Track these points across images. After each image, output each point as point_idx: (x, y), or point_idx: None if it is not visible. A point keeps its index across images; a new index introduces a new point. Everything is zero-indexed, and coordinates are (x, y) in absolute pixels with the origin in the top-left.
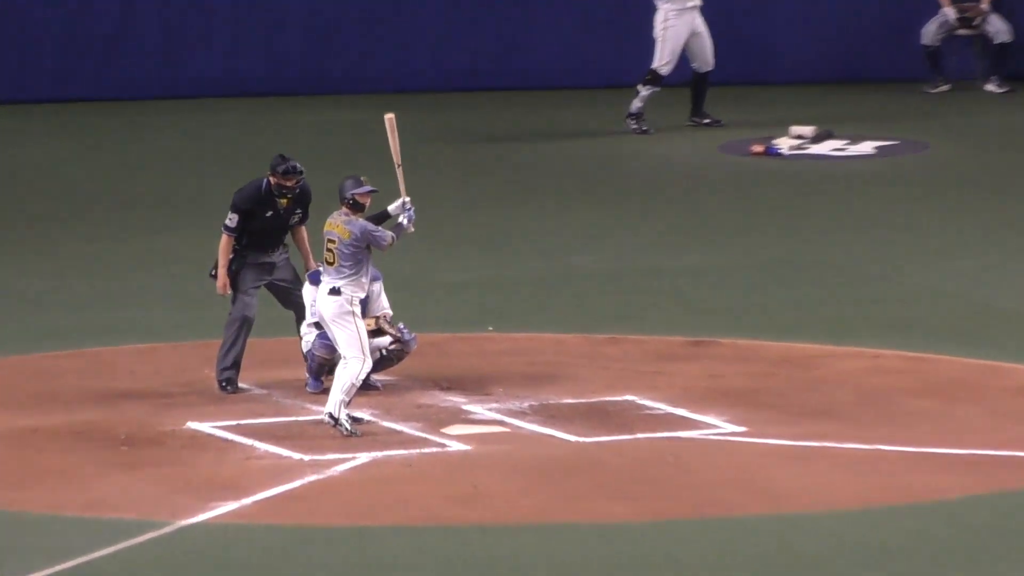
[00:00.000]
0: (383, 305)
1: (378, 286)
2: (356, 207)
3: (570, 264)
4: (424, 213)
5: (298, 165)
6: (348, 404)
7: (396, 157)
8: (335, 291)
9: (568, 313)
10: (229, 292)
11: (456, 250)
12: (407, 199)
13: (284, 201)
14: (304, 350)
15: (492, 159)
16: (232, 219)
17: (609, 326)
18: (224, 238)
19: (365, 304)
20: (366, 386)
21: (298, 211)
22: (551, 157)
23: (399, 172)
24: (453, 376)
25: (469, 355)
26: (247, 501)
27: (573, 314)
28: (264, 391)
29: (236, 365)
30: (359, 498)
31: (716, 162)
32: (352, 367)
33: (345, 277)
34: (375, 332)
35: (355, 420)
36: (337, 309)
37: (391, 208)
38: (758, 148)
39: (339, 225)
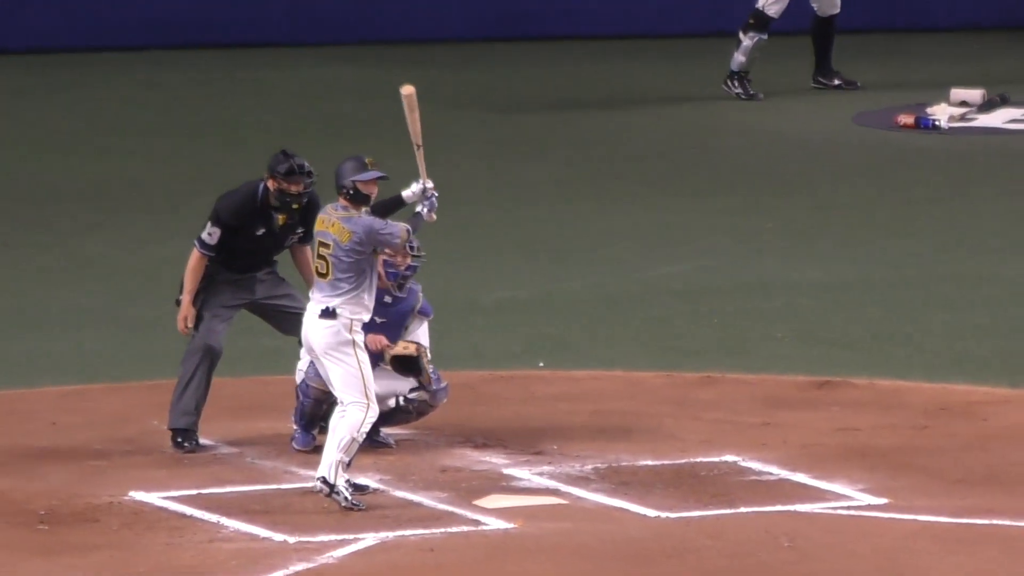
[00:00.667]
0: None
1: (425, 326)
2: (358, 199)
3: (649, 278)
4: (451, 208)
5: (306, 164)
6: (348, 466)
7: (416, 138)
8: (328, 313)
9: (646, 343)
10: (191, 328)
11: (495, 258)
12: (429, 183)
13: (283, 217)
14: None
15: (541, 133)
16: (212, 234)
17: (702, 361)
18: (195, 257)
19: (396, 336)
20: (373, 442)
21: (300, 230)
22: (621, 131)
23: (419, 155)
24: (491, 429)
25: (512, 401)
26: None
27: (653, 345)
28: (234, 449)
29: (196, 412)
30: None
31: (850, 138)
32: (352, 417)
33: (342, 294)
34: (404, 362)
35: (357, 488)
36: (331, 338)
37: (407, 194)
38: (907, 119)
39: (335, 223)
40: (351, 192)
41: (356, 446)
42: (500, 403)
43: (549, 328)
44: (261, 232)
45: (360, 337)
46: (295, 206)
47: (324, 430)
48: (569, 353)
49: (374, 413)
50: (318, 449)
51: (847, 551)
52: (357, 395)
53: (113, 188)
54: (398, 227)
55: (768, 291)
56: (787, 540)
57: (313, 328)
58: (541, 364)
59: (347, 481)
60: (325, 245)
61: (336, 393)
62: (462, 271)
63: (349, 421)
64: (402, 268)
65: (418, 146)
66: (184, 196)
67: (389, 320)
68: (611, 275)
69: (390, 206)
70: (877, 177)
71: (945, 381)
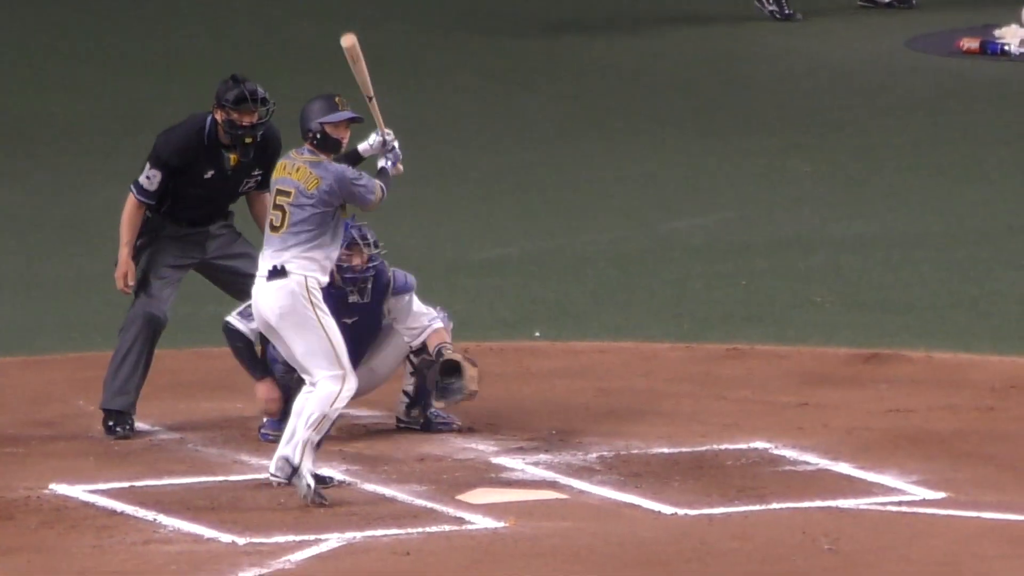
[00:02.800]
0: (426, 324)
1: (408, 299)
2: (327, 144)
3: (665, 233)
4: (432, 151)
5: (260, 91)
6: (318, 447)
7: (366, 89)
8: (277, 272)
9: (662, 310)
10: (132, 286)
11: (485, 209)
12: (388, 133)
13: (234, 157)
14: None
15: (539, 62)
16: (152, 177)
17: (728, 330)
18: (131, 204)
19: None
20: (437, 426)
21: (257, 172)
22: (633, 59)
23: (372, 106)
24: (478, 411)
25: (504, 377)
26: None
27: (669, 312)
28: (174, 434)
29: (134, 392)
30: None
31: (903, 66)
32: (323, 389)
33: (293, 247)
34: (446, 367)
35: (319, 481)
36: (284, 300)
37: (364, 147)
38: (970, 44)
39: (300, 167)
40: (318, 136)
41: (328, 424)
42: (489, 380)
43: (547, 292)
44: (210, 175)
45: (319, 296)
46: (247, 140)
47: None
48: (570, 321)
49: (352, 385)
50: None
51: (898, 555)
52: (327, 366)
53: (31, 126)
54: (374, 183)
55: (806, 247)
56: (827, 542)
57: (262, 294)
58: (537, 334)
59: (311, 472)
60: (284, 193)
61: (304, 372)
62: (445, 224)
63: (319, 394)
64: (360, 269)
65: (370, 98)
66: (116, 136)
67: (361, 317)
68: (621, 230)
69: (346, 162)
70: (935, 113)
71: (1016, 354)
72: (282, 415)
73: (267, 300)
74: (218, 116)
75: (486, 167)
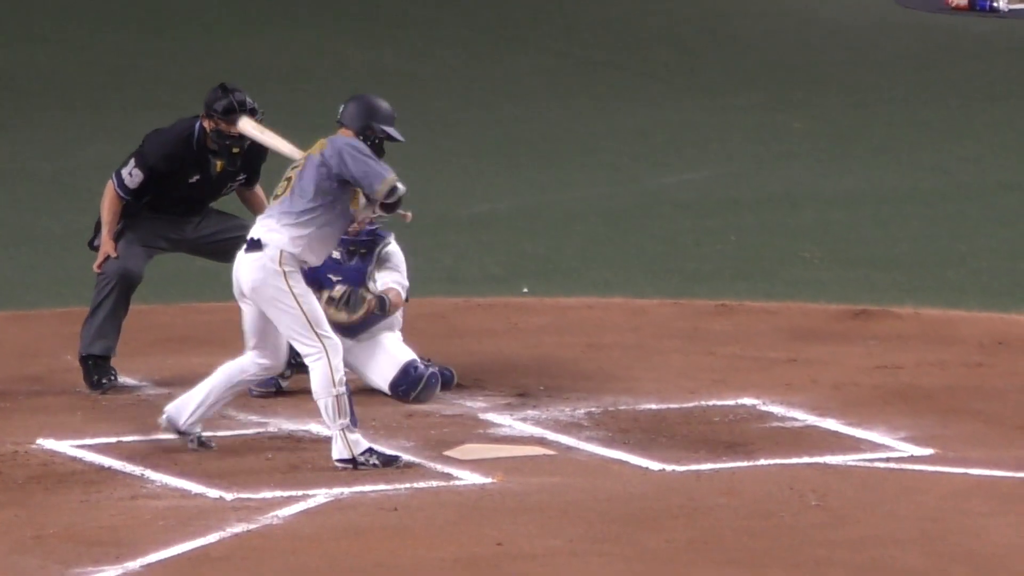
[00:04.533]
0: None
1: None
2: (375, 150)
3: (654, 188)
4: (420, 105)
5: (249, 101)
6: (355, 426)
7: (293, 153)
8: (254, 244)
9: (651, 266)
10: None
11: (472, 164)
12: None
13: (221, 163)
14: None
15: (532, 15)
16: (135, 175)
17: (717, 286)
18: (111, 194)
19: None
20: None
21: (242, 176)
22: (621, 14)
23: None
24: (466, 366)
25: (492, 333)
26: (133, 566)
27: (658, 267)
28: (162, 390)
29: (112, 337)
30: (312, 562)
31: (892, 21)
32: (316, 375)
33: (285, 215)
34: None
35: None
36: (257, 274)
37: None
38: (960, 0)
39: (319, 142)
40: (377, 141)
41: (344, 401)
42: (477, 336)
43: (535, 247)
44: (195, 179)
45: (294, 272)
46: (235, 150)
47: (295, 370)
48: (559, 277)
49: (335, 349)
50: (279, 393)
51: (886, 511)
52: (306, 339)
53: (19, 80)
54: (386, 170)
55: (795, 203)
56: (815, 498)
57: (240, 264)
58: (526, 290)
59: (370, 449)
60: (296, 165)
61: (290, 340)
62: (433, 179)
63: (317, 383)
64: (355, 234)
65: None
66: (104, 90)
67: (346, 277)
68: (609, 185)
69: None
70: (924, 69)
71: (1004, 310)
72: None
73: (242, 272)
74: (206, 124)
75: (475, 122)
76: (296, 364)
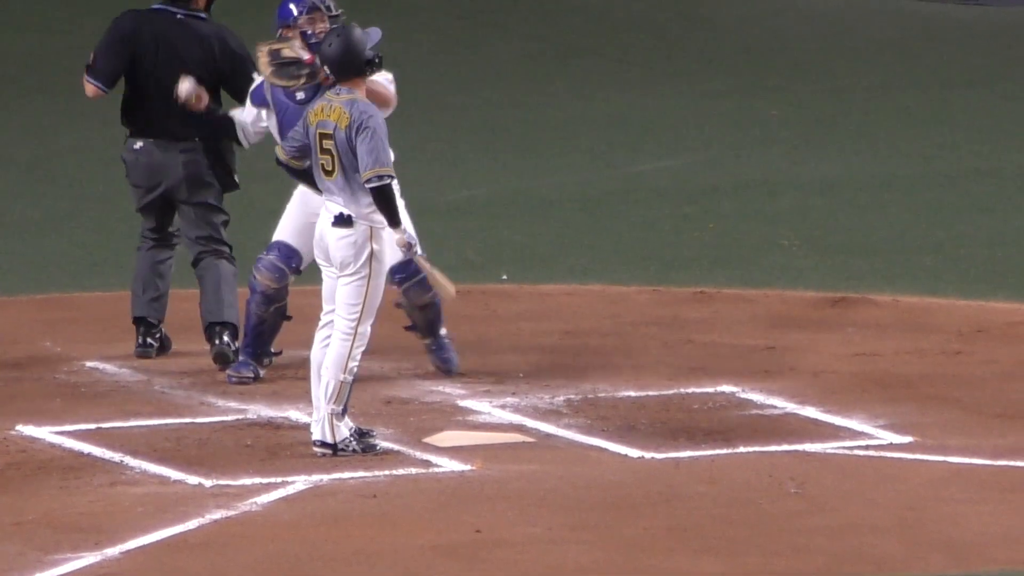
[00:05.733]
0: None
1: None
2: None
3: (632, 174)
4: (401, 91)
5: None
6: (344, 414)
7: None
8: (343, 220)
9: (629, 253)
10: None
11: (450, 151)
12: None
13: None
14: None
15: (509, 0)
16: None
17: (695, 273)
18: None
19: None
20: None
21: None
22: None
23: None
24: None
25: (470, 319)
26: (113, 552)
27: (636, 254)
28: (141, 376)
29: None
30: (291, 548)
31: (871, 7)
32: (334, 352)
33: (359, 192)
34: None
35: (363, 435)
36: (348, 250)
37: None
38: None
39: (336, 107)
40: (376, 62)
41: (346, 389)
42: (455, 322)
43: (514, 234)
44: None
45: (379, 249)
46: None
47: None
48: (537, 263)
49: (363, 343)
50: (257, 380)
51: (865, 499)
52: (350, 319)
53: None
54: (386, 158)
55: (773, 190)
56: (794, 486)
57: (330, 235)
58: (504, 276)
59: (352, 432)
60: (327, 136)
61: (336, 311)
62: (411, 166)
63: (331, 359)
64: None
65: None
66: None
67: None
68: (587, 171)
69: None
70: (903, 55)
71: (982, 298)
72: (253, 346)
73: (333, 244)
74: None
75: (452, 108)
76: (276, 353)
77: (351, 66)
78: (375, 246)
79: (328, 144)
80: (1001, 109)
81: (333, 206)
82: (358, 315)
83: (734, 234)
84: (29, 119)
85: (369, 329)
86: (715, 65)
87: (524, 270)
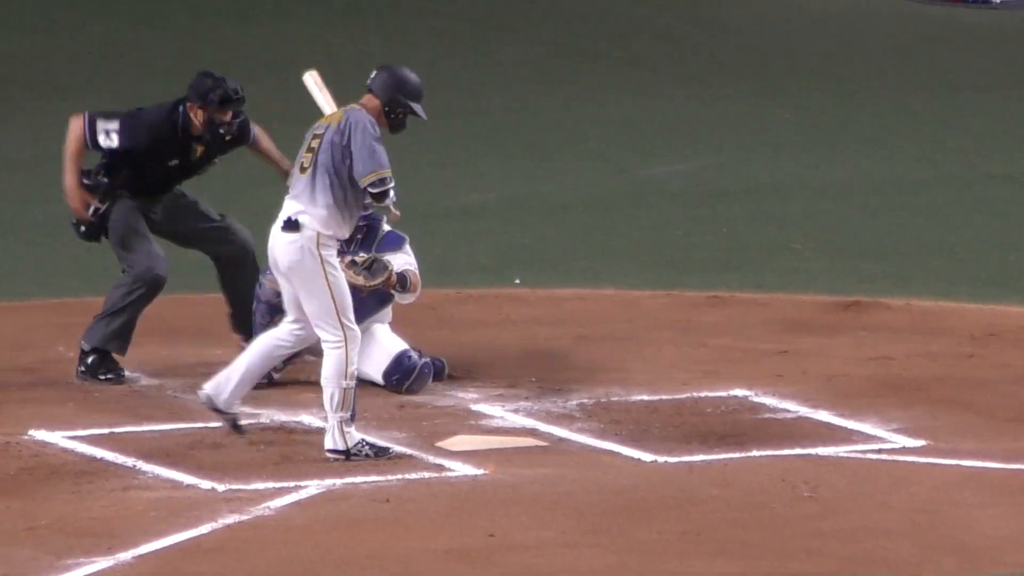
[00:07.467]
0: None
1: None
2: (394, 122)
3: (644, 178)
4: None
5: (239, 88)
6: (353, 419)
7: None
8: (291, 224)
9: (641, 257)
10: (97, 207)
11: (462, 155)
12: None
13: (200, 149)
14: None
15: (520, 4)
16: (112, 140)
17: (707, 277)
18: (77, 137)
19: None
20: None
21: (216, 161)
22: (612, 4)
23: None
24: (457, 357)
25: (483, 324)
26: (125, 557)
27: (649, 258)
28: (154, 381)
29: (126, 342)
30: (304, 553)
31: (882, 12)
32: (331, 364)
33: (319, 193)
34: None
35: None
36: (294, 255)
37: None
38: None
39: (338, 114)
40: (399, 113)
41: (351, 395)
42: (468, 327)
43: (526, 238)
44: (174, 163)
45: (331, 254)
46: (228, 138)
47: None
48: (550, 268)
49: (354, 340)
50: (271, 385)
51: (878, 502)
52: (331, 327)
53: (6, 68)
54: (382, 161)
55: (785, 194)
56: (807, 489)
57: (276, 241)
58: (517, 281)
59: (363, 441)
60: (317, 136)
61: (316, 330)
62: (423, 170)
63: (329, 370)
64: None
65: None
66: (91, 78)
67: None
68: (599, 175)
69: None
70: (914, 59)
71: (995, 301)
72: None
73: (279, 250)
74: (197, 114)
75: (464, 112)
76: (289, 357)
77: (383, 87)
78: (323, 253)
79: (314, 143)
80: (1013, 113)
81: (287, 209)
82: (335, 316)
83: (746, 238)
84: (38, 122)
85: (353, 323)
86: (726, 69)
87: (536, 274)
